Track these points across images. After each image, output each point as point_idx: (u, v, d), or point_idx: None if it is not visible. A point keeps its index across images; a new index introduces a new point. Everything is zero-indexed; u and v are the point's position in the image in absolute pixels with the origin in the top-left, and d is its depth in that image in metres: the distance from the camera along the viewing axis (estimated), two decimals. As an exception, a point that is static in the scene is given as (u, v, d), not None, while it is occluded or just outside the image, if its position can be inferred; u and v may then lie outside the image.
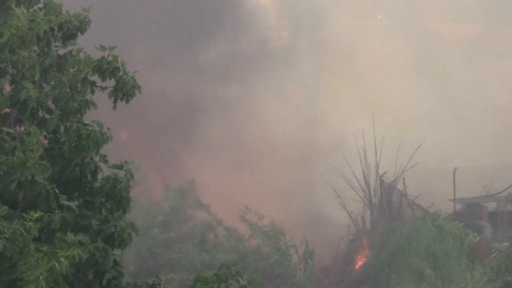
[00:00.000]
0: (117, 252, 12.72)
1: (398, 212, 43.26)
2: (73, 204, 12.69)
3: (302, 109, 49.40)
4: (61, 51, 13.58)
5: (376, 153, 45.58)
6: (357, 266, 43.05)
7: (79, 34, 13.33)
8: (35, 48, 12.82)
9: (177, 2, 50.24)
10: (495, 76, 53.18)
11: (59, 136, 12.97)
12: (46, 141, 13.08)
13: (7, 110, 13.10)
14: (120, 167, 13.20)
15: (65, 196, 12.59)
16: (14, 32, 12.67)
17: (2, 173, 12.19)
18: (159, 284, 14.06)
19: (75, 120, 12.91)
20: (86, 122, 12.96)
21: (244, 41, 51.27)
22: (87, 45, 13.16)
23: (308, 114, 49.07)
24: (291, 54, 51.04)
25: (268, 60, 50.19)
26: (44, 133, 12.74)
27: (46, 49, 13.05)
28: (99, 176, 13.32)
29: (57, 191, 12.47)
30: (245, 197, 42.36)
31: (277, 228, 39.52)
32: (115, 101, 12.98)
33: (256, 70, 49.58)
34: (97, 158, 13.05)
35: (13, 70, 13.00)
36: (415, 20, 53.76)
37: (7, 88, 12.90)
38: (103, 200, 13.32)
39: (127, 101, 12.98)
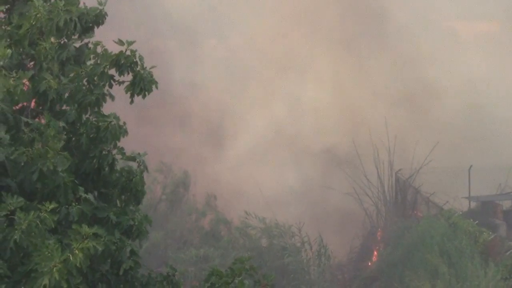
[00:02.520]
0: (134, 243, 12.79)
1: (412, 209, 43.23)
2: (91, 196, 12.74)
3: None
4: (77, 44, 13.60)
5: (389, 151, 45.55)
6: (370, 263, 43.03)
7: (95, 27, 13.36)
8: (53, 40, 12.85)
9: None
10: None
11: (77, 128, 13.02)
12: (63, 133, 13.11)
13: (24, 103, 13.14)
14: (133, 159, 13.23)
15: (82, 188, 12.64)
16: (33, 23, 12.72)
17: (22, 163, 12.23)
18: (173, 275, 14.13)
19: (95, 111, 12.97)
20: (105, 114, 13.01)
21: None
22: (100, 38, 13.22)
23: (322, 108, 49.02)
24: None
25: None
26: (63, 124, 12.77)
27: (63, 42, 13.09)
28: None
29: (76, 183, 12.54)
30: (259, 192, 42.39)
31: (291, 224, 39.56)
32: (132, 96, 13.04)
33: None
34: (114, 151, 13.10)
35: (31, 63, 13.05)
36: (432, 18, 53.64)
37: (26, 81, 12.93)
38: (119, 192, 13.36)
39: (144, 96, 13.04)
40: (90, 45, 13.25)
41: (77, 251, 11.53)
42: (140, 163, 13.35)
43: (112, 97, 13.13)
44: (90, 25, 13.21)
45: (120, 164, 13.41)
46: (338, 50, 50.34)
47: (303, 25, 50.44)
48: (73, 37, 13.18)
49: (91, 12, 13.07)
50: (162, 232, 37.01)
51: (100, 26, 13.37)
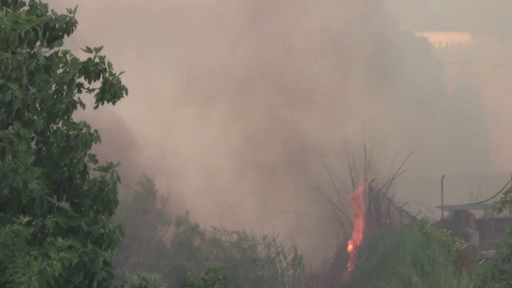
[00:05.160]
0: (106, 253, 12.73)
1: (386, 219, 43.38)
2: (65, 204, 12.68)
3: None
4: (47, 53, 13.55)
5: (366, 159, 45.73)
6: (345, 273, 43.12)
7: (66, 36, 13.29)
8: (21, 51, 12.79)
9: None
10: (485, 83, 53.43)
11: (48, 137, 12.96)
12: (33, 143, 13.06)
13: None
14: (107, 169, 13.18)
15: (55, 197, 12.59)
16: None
17: None
18: (146, 287, 14.04)
19: (65, 119, 12.91)
20: (75, 122, 12.95)
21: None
22: (75, 48, 13.17)
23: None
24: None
25: None
26: (33, 134, 12.71)
27: (32, 52, 13.02)
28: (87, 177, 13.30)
29: (52, 194, 12.48)
30: (231, 203, 42.34)
31: (266, 235, 39.57)
32: (98, 101, 12.98)
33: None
34: (86, 159, 13.03)
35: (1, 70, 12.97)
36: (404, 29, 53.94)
37: None
38: (91, 202, 13.29)
39: (114, 102, 13.00)
40: (60, 54, 13.17)
41: (55, 262, 11.47)
42: (113, 174, 13.28)
43: (83, 106, 13.08)
44: (60, 33, 13.12)
45: (93, 175, 13.34)
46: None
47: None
48: (42, 45, 13.10)
49: (60, 19, 13.00)
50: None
51: (74, 35, 13.30)
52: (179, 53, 47.95)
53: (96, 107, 12.87)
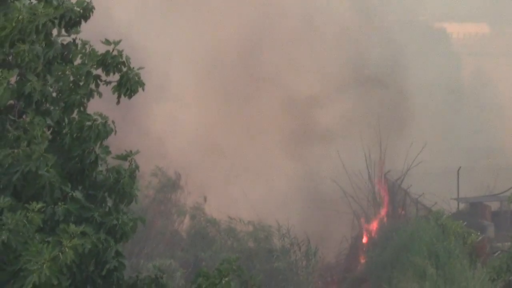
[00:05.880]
0: (119, 245, 12.75)
1: (401, 210, 43.32)
2: (79, 193, 12.69)
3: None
4: (65, 41, 13.58)
5: (380, 151, 45.65)
6: (359, 264, 43.08)
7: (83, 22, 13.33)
8: (39, 41, 12.83)
9: None
10: (502, 74, 53.20)
11: (63, 127, 12.99)
12: (49, 132, 13.10)
13: (12, 102, 13.12)
14: (125, 158, 13.16)
15: (69, 185, 12.62)
16: (14, 25, 12.74)
17: (7, 165, 12.22)
18: (161, 278, 14.08)
19: (80, 110, 12.94)
20: (89, 114, 12.95)
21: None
22: (93, 32, 13.17)
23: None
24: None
25: None
26: (49, 122, 12.75)
27: (49, 40, 13.06)
28: (103, 168, 13.29)
29: (65, 179, 12.51)
30: (247, 194, 42.33)
31: (281, 225, 39.55)
32: (119, 96, 13.01)
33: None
34: (99, 150, 13.02)
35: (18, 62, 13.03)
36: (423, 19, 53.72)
37: (12, 80, 12.91)
38: (106, 194, 13.31)
39: (130, 96, 13.01)
40: (78, 41, 13.21)
41: (67, 249, 11.49)
42: (131, 162, 13.27)
43: (99, 94, 13.08)
44: (78, 19, 13.15)
45: (111, 163, 13.32)
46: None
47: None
48: (60, 33, 13.14)
49: (78, 5, 13.03)
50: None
51: (92, 23, 13.33)
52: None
53: (118, 103, 12.89)
